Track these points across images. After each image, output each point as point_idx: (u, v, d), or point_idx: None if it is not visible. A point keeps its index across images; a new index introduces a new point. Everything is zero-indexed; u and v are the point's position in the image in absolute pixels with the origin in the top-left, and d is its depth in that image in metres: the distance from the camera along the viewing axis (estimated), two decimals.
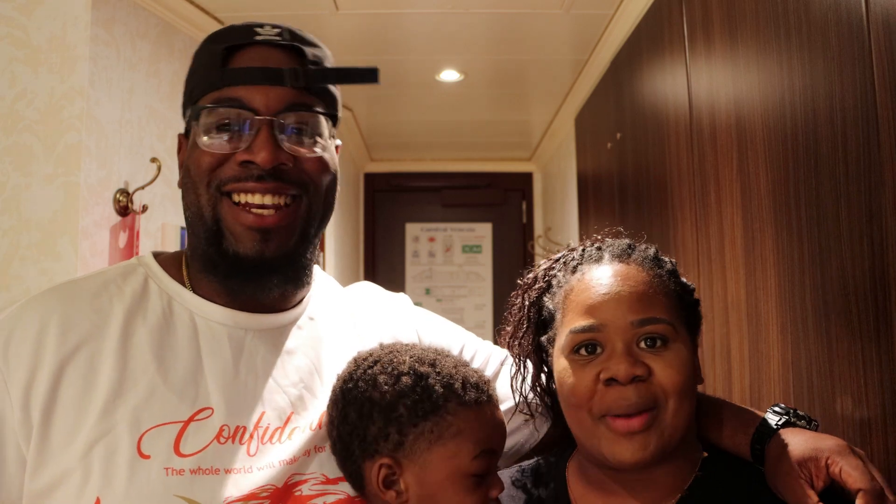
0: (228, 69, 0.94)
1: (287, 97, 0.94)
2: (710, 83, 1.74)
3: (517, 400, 1.07)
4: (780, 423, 0.93)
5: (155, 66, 2.23)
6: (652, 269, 0.98)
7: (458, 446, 0.88)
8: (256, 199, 0.93)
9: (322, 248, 3.35)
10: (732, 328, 1.60)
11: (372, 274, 4.59)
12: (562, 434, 1.07)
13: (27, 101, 1.90)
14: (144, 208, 2.10)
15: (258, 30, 0.96)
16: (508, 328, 1.08)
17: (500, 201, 4.70)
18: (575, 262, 1.02)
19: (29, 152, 1.88)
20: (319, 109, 0.97)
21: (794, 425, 0.93)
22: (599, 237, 1.07)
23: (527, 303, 1.05)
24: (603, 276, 0.97)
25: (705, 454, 0.98)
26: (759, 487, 0.92)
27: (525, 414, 1.08)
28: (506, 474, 1.06)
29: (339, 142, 1.04)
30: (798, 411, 0.96)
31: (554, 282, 1.02)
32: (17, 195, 1.87)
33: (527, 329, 1.05)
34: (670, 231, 2.00)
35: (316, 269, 1.08)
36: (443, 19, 2.55)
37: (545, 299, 1.03)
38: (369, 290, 1.18)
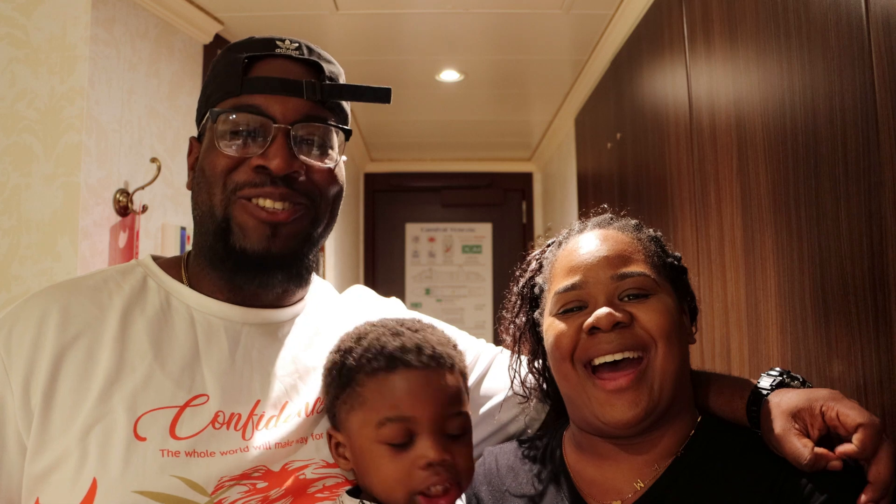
0: (248, 78, 0.98)
1: (303, 108, 0.97)
2: (710, 83, 1.74)
3: (513, 383, 1.11)
4: (773, 384, 0.94)
5: (155, 66, 2.23)
6: (632, 232, 1.03)
7: (365, 415, 0.90)
8: (268, 203, 0.97)
9: (322, 249, 3.34)
10: (732, 328, 1.60)
11: (372, 274, 4.58)
12: (556, 419, 1.10)
13: (27, 101, 1.90)
14: (144, 208, 2.10)
15: (279, 43, 1.01)
16: (506, 314, 1.12)
17: (500, 201, 4.70)
18: (561, 239, 1.07)
19: (29, 152, 1.88)
20: (332, 122, 1.00)
21: (787, 385, 0.94)
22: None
23: (521, 285, 1.10)
24: (584, 241, 1.02)
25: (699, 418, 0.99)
26: (755, 450, 0.92)
27: (521, 396, 1.12)
28: (507, 448, 1.10)
29: (345, 157, 1.06)
30: (792, 373, 0.96)
31: (545, 262, 1.07)
32: (17, 195, 1.87)
33: (520, 308, 1.09)
34: (670, 231, 2.00)
35: (313, 276, 1.12)
36: (443, 19, 2.55)
37: (537, 279, 1.07)
38: (364, 293, 1.22)
